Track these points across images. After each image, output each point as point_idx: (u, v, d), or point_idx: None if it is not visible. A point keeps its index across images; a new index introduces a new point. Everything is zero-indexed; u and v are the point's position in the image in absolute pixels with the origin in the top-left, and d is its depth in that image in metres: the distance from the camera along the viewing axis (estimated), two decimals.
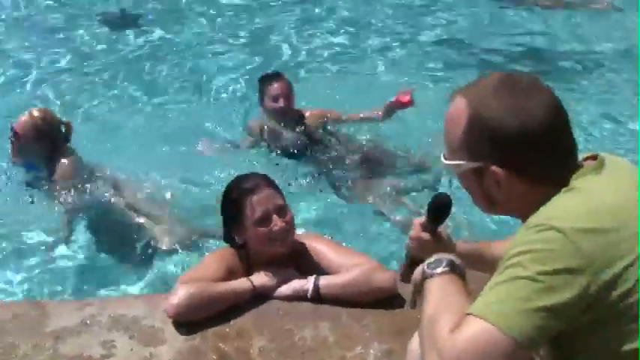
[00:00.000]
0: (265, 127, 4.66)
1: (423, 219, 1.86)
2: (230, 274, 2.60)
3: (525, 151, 1.47)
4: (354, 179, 4.50)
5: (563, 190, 1.47)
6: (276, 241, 2.57)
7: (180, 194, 4.29)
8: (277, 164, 4.53)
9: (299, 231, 2.83)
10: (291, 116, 4.60)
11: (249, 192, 2.59)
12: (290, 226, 2.60)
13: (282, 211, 2.59)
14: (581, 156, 1.57)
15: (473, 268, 2.01)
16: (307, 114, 4.67)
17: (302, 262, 2.71)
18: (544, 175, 1.49)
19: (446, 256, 1.59)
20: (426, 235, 1.83)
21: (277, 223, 2.55)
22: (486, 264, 1.93)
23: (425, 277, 1.57)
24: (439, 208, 1.82)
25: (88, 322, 2.46)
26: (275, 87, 4.54)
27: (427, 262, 1.59)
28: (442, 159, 1.61)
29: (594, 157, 1.56)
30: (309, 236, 2.85)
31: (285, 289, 2.57)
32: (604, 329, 1.40)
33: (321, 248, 2.71)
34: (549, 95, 1.51)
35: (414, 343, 1.78)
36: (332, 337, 2.37)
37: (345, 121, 4.74)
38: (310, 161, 4.61)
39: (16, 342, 2.37)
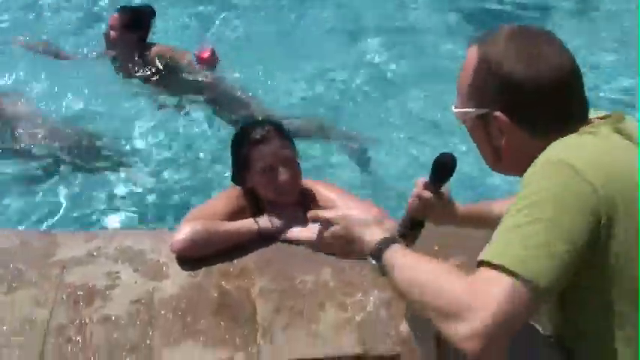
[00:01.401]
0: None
1: (426, 178, 1.83)
2: (238, 214, 2.62)
3: (532, 100, 1.44)
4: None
5: (574, 134, 1.44)
6: (281, 193, 2.58)
7: None
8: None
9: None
10: (128, 47, 4.70)
11: (258, 142, 2.59)
12: (296, 179, 2.61)
13: (289, 163, 2.59)
14: (595, 114, 1.54)
15: (476, 227, 2.01)
16: (153, 48, 4.75)
17: (311, 208, 2.72)
18: (549, 128, 1.46)
19: (382, 235, 1.53)
20: (427, 194, 1.81)
21: (283, 174, 2.56)
22: (489, 223, 1.91)
23: (380, 265, 1.50)
24: (443, 168, 1.79)
25: (95, 253, 2.51)
26: (110, 18, 4.77)
27: (370, 250, 1.52)
28: (452, 108, 1.59)
29: (607, 117, 1.53)
30: (319, 183, 2.84)
31: (290, 232, 2.58)
32: (603, 287, 1.39)
33: (329, 195, 2.73)
34: (561, 48, 1.48)
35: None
36: (333, 282, 2.39)
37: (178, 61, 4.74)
38: (150, 87, 4.73)
39: (23, 269, 2.41)
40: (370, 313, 2.26)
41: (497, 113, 1.47)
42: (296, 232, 2.58)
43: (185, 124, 4.55)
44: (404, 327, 2.03)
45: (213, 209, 2.62)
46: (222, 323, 2.22)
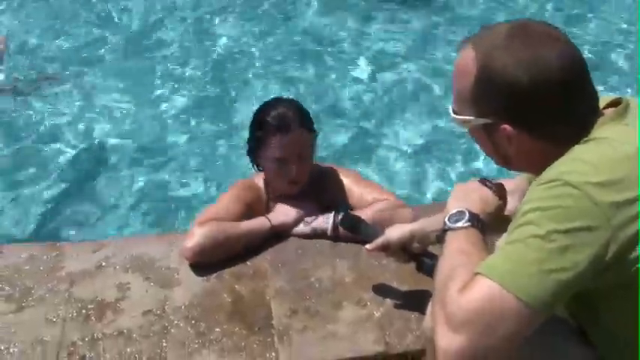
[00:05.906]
0: None
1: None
2: (249, 209, 2.53)
3: (539, 108, 1.33)
4: None
5: (582, 141, 1.33)
6: (287, 183, 2.49)
7: None
8: None
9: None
10: None
11: (277, 130, 2.44)
12: (305, 176, 2.51)
13: (301, 158, 2.48)
14: (602, 100, 1.42)
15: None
16: None
17: (324, 196, 2.62)
18: (560, 132, 1.35)
19: (468, 209, 1.47)
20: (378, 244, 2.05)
21: (293, 170, 2.46)
22: None
23: (445, 229, 1.47)
24: (349, 227, 2.22)
25: (104, 263, 2.43)
26: None
27: (449, 213, 1.48)
28: (451, 113, 1.48)
29: (616, 103, 1.40)
30: (334, 168, 2.73)
31: (304, 226, 2.49)
32: (626, 292, 1.28)
33: (344, 182, 2.64)
34: (566, 45, 1.36)
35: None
36: (349, 277, 2.29)
37: None
38: None
39: (31, 285, 2.35)
40: (390, 308, 2.17)
41: (504, 125, 1.36)
42: (309, 225, 2.48)
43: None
44: (427, 322, 1.92)
45: (223, 209, 2.51)
46: (237, 329, 2.14)
